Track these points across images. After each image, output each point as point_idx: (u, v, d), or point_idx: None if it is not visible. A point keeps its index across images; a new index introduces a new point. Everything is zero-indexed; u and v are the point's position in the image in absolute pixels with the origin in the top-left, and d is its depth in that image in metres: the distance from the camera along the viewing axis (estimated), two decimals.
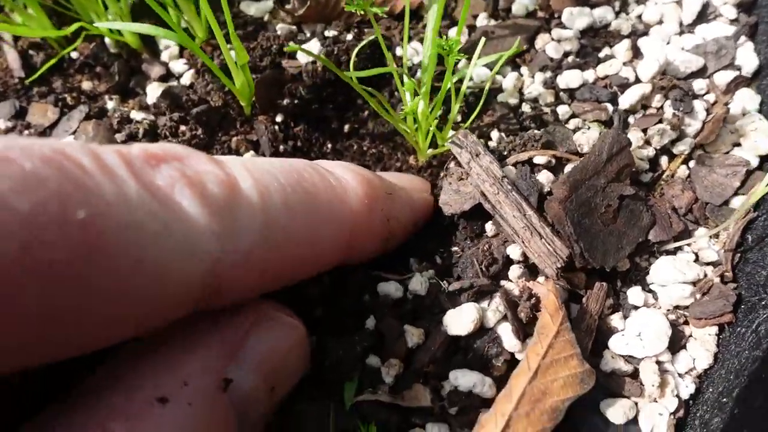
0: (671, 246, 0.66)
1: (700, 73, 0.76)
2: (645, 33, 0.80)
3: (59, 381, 0.43)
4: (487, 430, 0.49)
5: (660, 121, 0.71)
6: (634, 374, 0.60)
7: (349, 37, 0.79)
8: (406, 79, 0.71)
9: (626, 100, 0.73)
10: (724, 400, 0.54)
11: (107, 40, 0.80)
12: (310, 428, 0.54)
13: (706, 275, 0.64)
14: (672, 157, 0.72)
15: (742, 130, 0.71)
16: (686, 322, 0.64)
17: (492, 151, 0.68)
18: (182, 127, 0.73)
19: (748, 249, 0.66)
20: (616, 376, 0.60)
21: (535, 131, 0.71)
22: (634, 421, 0.57)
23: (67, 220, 0.31)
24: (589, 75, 0.77)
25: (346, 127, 0.80)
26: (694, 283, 0.63)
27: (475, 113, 0.69)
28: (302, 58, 0.78)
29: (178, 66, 0.79)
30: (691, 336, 0.63)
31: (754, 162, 0.69)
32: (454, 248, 0.66)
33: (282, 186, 0.45)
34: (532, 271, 0.64)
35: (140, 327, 0.38)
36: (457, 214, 0.66)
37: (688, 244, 0.67)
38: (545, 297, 0.59)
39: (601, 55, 0.79)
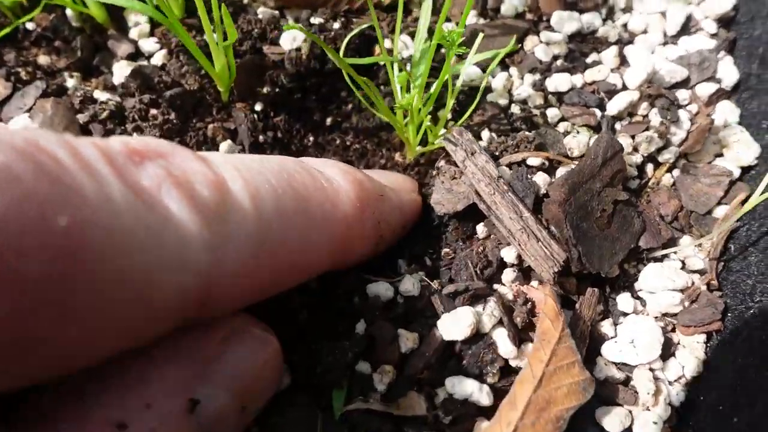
0: (659, 253, 0.66)
1: (684, 83, 0.77)
2: (630, 41, 0.81)
3: (8, 397, 0.37)
4: None
5: (647, 129, 0.72)
6: (626, 381, 0.60)
7: (336, 25, 0.75)
8: (398, 71, 0.68)
9: (614, 106, 0.73)
10: (720, 408, 0.53)
11: (69, 11, 0.73)
12: None
13: (693, 283, 0.64)
14: (657, 164, 0.73)
15: (724, 141, 0.72)
16: (673, 330, 0.64)
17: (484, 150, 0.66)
18: (153, 111, 0.67)
19: (731, 258, 0.67)
20: (609, 383, 0.59)
21: (527, 133, 0.69)
22: (628, 429, 0.56)
23: (47, 225, 0.26)
24: (577, 79, 0.76)
25: (329, 120, 0.76)
26: (682, 291, 0.63)
27: (470, 111, 0.67)
28: (286, 45, 0.73)
29: (148, 45, 0.73)
30: (679, 343, 0.63)
31: (736, 173, 0.71)
32: (445, 249, 0.64)
33: (273, 188, 0.42)
34: (525, 274, 0.62)
35: (122, 344, 0.34)
36: (449, 215, 0.63)
37: (675, 252, 0.67)
38: (542, 302, 0.58)
39: (589, 60, 0.79)
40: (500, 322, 0.57)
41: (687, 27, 0.81)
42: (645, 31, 0.82)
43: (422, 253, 0.64)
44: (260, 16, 0.75)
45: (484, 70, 0.76)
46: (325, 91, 0.76)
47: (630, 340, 0.60)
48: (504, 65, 0.78)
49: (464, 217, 0.64)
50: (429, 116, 0.67)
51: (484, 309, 0.58)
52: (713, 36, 0.81)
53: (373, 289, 0.59)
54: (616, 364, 0.60)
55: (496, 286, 0.61)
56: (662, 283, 0.63)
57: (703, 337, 0.62)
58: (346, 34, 0.74)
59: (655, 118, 0.73)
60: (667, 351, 0.61)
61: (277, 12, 0.77)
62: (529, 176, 0.63)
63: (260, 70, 0.72)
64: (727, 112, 0.75)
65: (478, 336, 0.56)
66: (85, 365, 0.32)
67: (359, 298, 0.58)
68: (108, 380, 0.36)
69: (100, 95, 0.68)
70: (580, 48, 0.80)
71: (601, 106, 0.74)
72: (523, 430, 0.46)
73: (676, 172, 0.72)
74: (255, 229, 0.39)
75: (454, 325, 0.55)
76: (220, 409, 0.40)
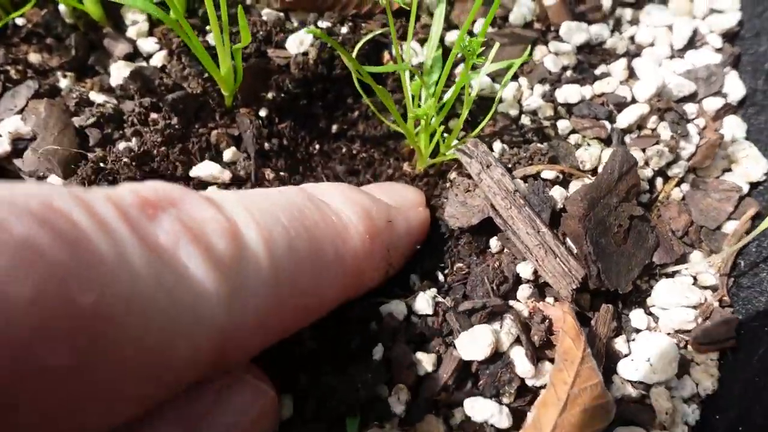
0: (671, 269, 0.66)
1: (691, 97, 0.77)
2: (638, 54, 0.81)
3: None
4: None
5: (657, 143, 0.71)
6: (641, 400, 0.59)
7: (344, 30, 0.73)
8: (409, 78, 0.66)
9: (624, 119, 0.72)
10: (741, 428, 0.53)
11: (62, 7, 0.69)
12: None
13: (706, 299, 0.64)
14: (666, 179, 0.72)
15: (733, 156, 0.72)
16: (686, 346, 0.63)
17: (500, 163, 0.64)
18: (153, 115, 0.64)
19: (741, 274, 0.67)
20: (624, 402, 0.58)
21: (539, 145, 0.68)
22: None
23: (73, 307, 0.25)
24: (587, 91, 0.75)
25: (335, 127, 0.74)
26: (695, 307, 0.63)
27: (485, 122, 0.65)
28: (292, 49, 0.71)
29: (147, 45, 0.69)
30: (692, 360, 0.62)
31: (745, 188, 0.71)
32: (459, 264, 0.62)
33: (286, 230, 0.41)
34: (540, 290, 0.61)
35: (142, 406, 0.33)
36: (464, 228, 0.61)
37: (686, 268, 0.66)
38: (560, 319, 0.56)
39: (597, 72, 0.78)
40: (517, 340, 0.56)
41: (693, 41, 0.81)
42: (652, 44, 0.81)
43: (434, 268, 0.62)
44: (265, 18, 0.72)
45: (493, 80, 0.75)
46: (331, 97, 0.73)
47: (646, 358, 0.59)
48: (513, 75, 0.77)
49: (477, 231, 0.62)
50: (442, 126, 0.65)
51: (501, 327, 0.56)
52: (718, 50, 0.81)
53: (387, 309, 0.57)
54: (632, 382, 0.59)
55: (511, 302, 0.59)
56: (675, 299, 0.63)
57: (716, 355, 0.62)
58: (354, 39, 0.71)
59: (664, 131, 0.72)
60: (681, 369, 0.61)
61: (282, 14, 0.74)
62: (545, 190, 0.62)
63: (265, 75, 0.70)
64: (734, 126, 0.75)
65: (496, 355, 0.54)
66: (107, 428, 0.31)
67: (374, 321, 0.56)
68: None
69: (97, 97, 0.65)
70: (589, 59, 0.79)
71: (611, 119, 0.73)
72: None
73: (684, 187, 0.72)
74: (269, 276, 0.39)
75: (472, 344, 0.53)
76: None
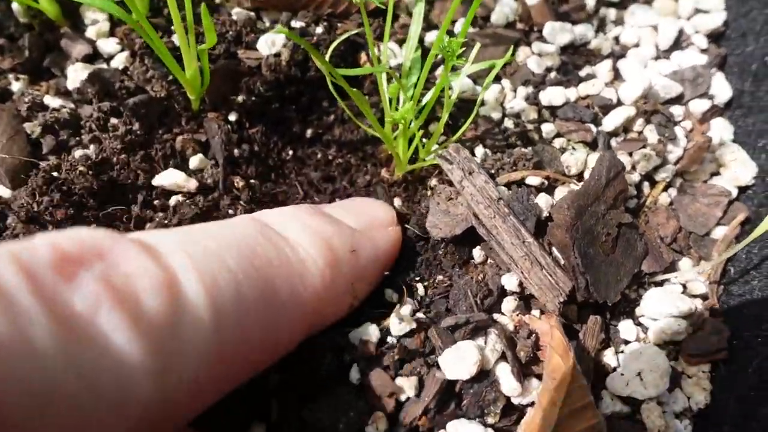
0: (660, 278, 0.63)
1: (678, 99, 0.74)
2: (623, 55, 0.78)
3: None
4: None
5: (644, 146, 0.69)
6: (631, 415, 0.56)
7: (319, 30, 0.69)
8: (386, 81, 0.63)
9: (610, 122, 0.70)
10: None
11: (15, 5, 0.64)
12: None
13: (696, 308, 0.62)
14: (653, 183, 0.70)
15: (721, 159, 0.70)
16: (676, 358, 0.61)
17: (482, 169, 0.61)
18: (113, 120, 0.60)
19: (731, 281, 0.65)
20: (614, 418, 0.55)
21: (523, 149, 0.65)
22: None
23: None
24: (571, 93, 0.73)
25: (309, 132, 0.70)
26: (685, 317, 0.60)
27: (466, 126, 0.62)
28: (263, 50, 0.67)
29: (108, 45, 0.65)
30: (684, 373, 0.60)
31: (734, 192, 0.69)
32: (440, 277, 0.59)
33: (233, 274, 0.37)
34: (526, 303, 0.58)
35: None
36: (447, 239, 0.58)
37: (675, 276, 0.64)
38: (547, 334, 0.53)
39: (582, 73, 0.76)
40: (503, 357, 0.53)
41: (679, 41, 0.79)
42: (637, 45, 0.79)
43: (413, 282, 0.59)
44: (235, 18, 0.69)
45: (474, 82, 0.72)
46: (305, 100, 0.70)
47: (637, 372, 0.56)
48: (496, 77, 0.74)
49: (460, 241, 0.59)
50: (421, 130, 0.62)
51: (485, 343, 0.53)
52: (704, 51, 0.79)
53: (356, 336, 0.53)
54: (622, 398, 0.56)
55: (496, 316, 0.56)
56: (666, 309, 0.60)
57: (707, 367, 0.59)
58: (329, 39, 0.68)
59: (650, 134, 0.70)
60: (673, 382, 0.58)
61: (253, 13, 0.70)
62: (530, 198, 0.59)
63: (235, 77, 0.66)
64: (721, 129, 0.73)
65: (482, 374, 0.51)
66: None
67: (346, 349, 0.52)
68: None
69: (52, 101, 0.61)
70: (573, 60, 0.77)
71: (596, 121, 0.71)
72: None
73: (672, 191, 0.70)
74: (211, 331, 0.34)
75: (458, 362, 0.50)
76: None
